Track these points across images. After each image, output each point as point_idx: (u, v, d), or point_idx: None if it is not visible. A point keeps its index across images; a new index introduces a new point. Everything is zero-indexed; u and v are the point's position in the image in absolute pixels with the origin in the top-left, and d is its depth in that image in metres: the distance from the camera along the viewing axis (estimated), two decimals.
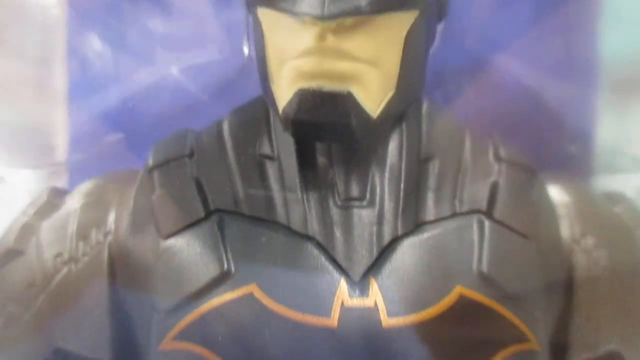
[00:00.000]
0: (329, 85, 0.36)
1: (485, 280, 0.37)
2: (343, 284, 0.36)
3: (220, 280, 0.37)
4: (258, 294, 0.36)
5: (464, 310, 0.36)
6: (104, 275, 0.40)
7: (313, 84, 0.36)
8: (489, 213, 0.38)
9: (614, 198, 0.45)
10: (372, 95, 0.37)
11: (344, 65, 0.36)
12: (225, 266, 0.37)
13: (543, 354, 0.40)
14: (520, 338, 0.37)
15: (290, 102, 0.37)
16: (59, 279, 0.41)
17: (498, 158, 0.41)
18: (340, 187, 0.38)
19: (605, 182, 0.52)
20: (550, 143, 0.54)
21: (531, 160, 0.42)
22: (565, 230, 0.41)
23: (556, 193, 0.43)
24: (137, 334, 0.40)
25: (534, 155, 0.43)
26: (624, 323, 0.42)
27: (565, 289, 0.41)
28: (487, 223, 0.38)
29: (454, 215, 0.38)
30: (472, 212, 0.38)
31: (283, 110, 0.37)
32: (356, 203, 0.38)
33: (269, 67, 0.39)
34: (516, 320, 0.37)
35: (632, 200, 0.45)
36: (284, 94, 0.37)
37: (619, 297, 0.41)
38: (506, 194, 0.39)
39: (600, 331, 0.41)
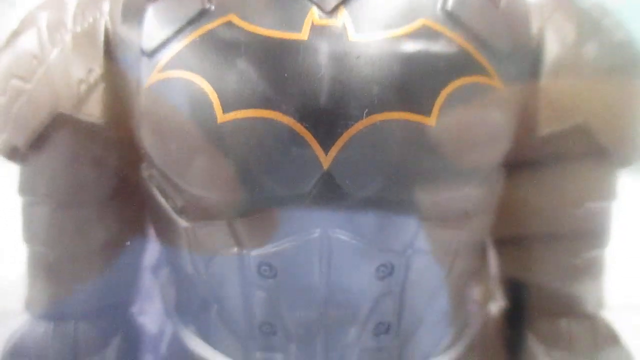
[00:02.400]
0: None
1: (449, 17, 0.38)
2: (314, 10, 0.38)
3: (201, 15, 0.39)
4: (236, 21, 0.38)
5: (426, 37, 0.38)
6: (99, 45, 0.42)
7: None
8: None
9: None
10: None
11: None
12: (207, 5, 0.39)
13: (508, 99, 0.41)
14: (480, 71, 0.39)
15: None
16: (58, 49, 0.43)
17: None
18: None
19: None
20: None
21: None
22: (536, 18, 0.42)
23: None
24: (128, 90, 0.42)
25: None
26: (589, 99, 0.43)
27: (533, 69, 0.42)
28: None
29: None
30: None
31: None
32: None
33: None
34: (477, 55, 0.39)
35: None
36: None
37: (584, 74, 0.43)
38: None
39: (567, 106, 0.43)
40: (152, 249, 0.58)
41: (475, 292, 0.54)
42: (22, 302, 0.50)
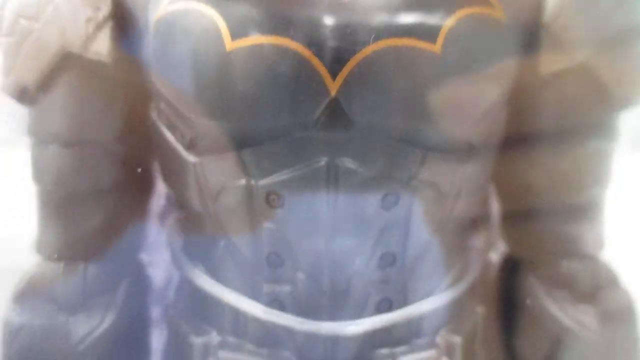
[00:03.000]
0: None
1: None
2: None
3: None
4: None
5: None
6: None
7: None
8: None
9: None
10: None
11: None
12: None
13: (511, 33, 0.41)
14: (485, 3, 0.39)
15: None
16: None
17: None
18: None
19: None
20: None
21: None
22: None
23: None
24: (137, 26, 0.43)
25: None
26: (592, 37, 0.43)
27: (537, 6, 0.43)
28: None
29: None
30: None
31: None
32: None
33: None
34: None
35: None
36: None
37: (587, 13, 0.43)
38: None
39: (570, 44, 0.43)
40: (158, 199, 0.59)
41: (477, 240, 0.55)
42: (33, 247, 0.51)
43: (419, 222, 0.43)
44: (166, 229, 0.57)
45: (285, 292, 0.44)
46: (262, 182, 0.41)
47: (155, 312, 0.59)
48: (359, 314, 0.44)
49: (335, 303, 0.44)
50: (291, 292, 0.44)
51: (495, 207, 0.57)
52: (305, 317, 0.44)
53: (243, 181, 0.42)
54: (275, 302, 0.45)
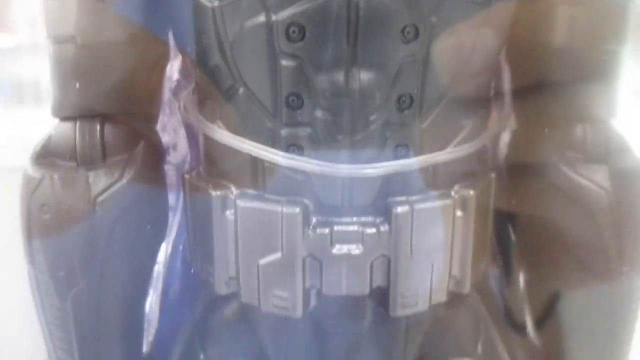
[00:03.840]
0: None
1: None
2: None
3: None
4: None
5: None
6: None
7: None
8: None
9: None
10: None
11: None
12: None
13: None
14: None
15: None
16: None
17: None
18: None
19: None
20: None
21: None
22: None
23: None
24: None
25: None
26: None
27: None
28: None
29: None
30: None
31: None
32: None
33: None
34: None
35: None
36: None
37: None
38: None
39: None
40: (171, 78, 0.59)
41: (491, 115, 0.55)
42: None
43: (436, 65, 0.44)
44: (181, 103, 0.57)
45: (304, 135, 0.45)
46: (282, 14, 0.41)
47: (172, 198, 0.59)
48: (376, 157, 0.45)
49: (354, 145, 0.44)
50: (310, 134, 0.44)
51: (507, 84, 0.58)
52: (323, 160, 0.45)
53: (262, 17, 0.42)
54: (294, 147, 0.45)
